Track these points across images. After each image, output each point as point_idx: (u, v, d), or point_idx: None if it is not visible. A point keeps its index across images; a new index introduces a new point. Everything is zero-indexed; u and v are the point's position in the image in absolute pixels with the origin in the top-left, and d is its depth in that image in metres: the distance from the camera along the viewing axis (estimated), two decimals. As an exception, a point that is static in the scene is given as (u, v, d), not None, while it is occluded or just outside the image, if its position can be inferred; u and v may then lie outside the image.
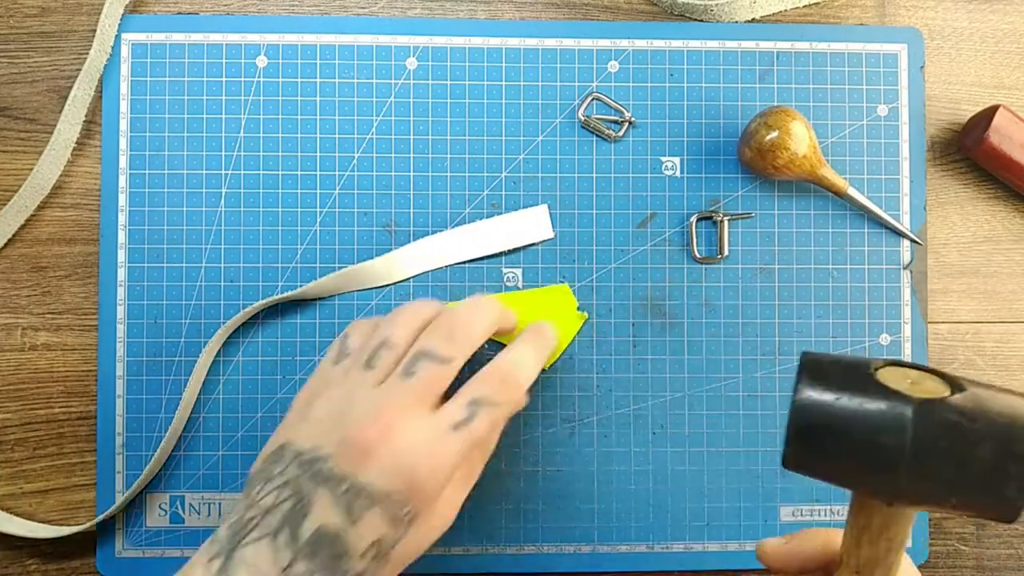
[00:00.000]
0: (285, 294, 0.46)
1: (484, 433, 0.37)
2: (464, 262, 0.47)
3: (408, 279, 0.47)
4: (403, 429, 0.35)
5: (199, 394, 0.46)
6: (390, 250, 0.47)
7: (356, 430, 0.34)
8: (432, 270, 0.47)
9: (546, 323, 0.42)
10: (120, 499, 0.45)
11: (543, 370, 0.47)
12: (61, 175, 0.47)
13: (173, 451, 0.46)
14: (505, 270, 0.48)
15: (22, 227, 0.47)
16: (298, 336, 0.47)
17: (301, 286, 0.47)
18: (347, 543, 0.33)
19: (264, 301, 0.46)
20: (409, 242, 0.47)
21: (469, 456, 0.37)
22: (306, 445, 0.35)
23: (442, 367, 0.37)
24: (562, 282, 0.47)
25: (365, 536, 0.34)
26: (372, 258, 0.47)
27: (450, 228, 0.47)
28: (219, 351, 0.47)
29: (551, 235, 0.47)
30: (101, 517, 0.45)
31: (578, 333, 0.47)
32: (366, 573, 0.34)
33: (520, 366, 0.39)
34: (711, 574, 0.48)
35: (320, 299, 0.47)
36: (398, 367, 0.37)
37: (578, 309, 0.47)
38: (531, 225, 0.47)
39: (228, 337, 0.47)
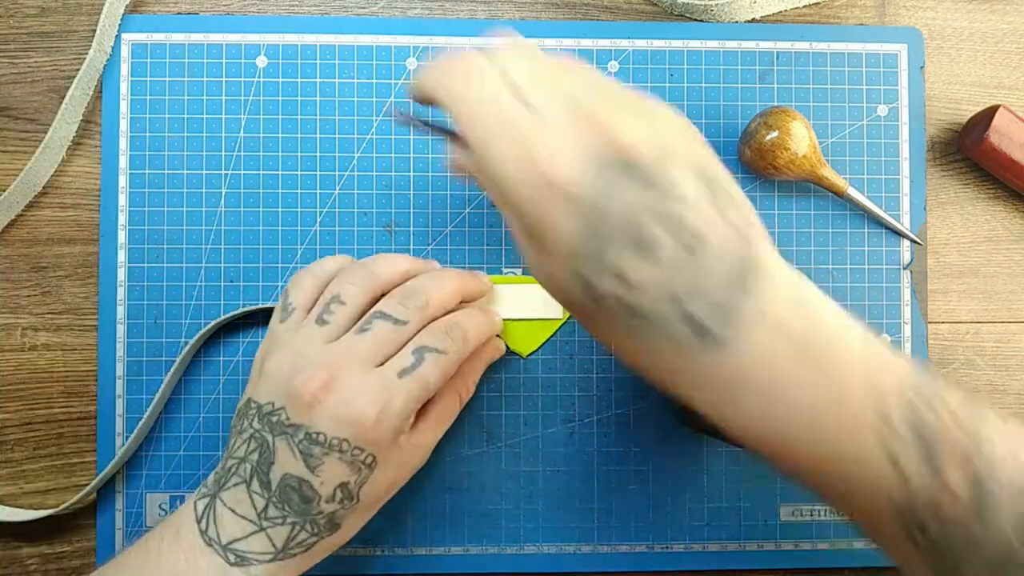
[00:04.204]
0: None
1: (433, 378, 0.38)
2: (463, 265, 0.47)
3: None
4: (347, 379, 0.37)
5: (200, 394, 0.47)
6: (391, 250, 0.47)
7: (302, 383, 0.36)
8: None
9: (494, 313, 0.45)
10: (88, 487, 0.45)
11: (523, 357, 0.47)
12: (61, 175, 0.47)
13: (173, 451, 0.46)
14: (505, 270, 0.48)
15: (22, 227, 0.47)
16: (298, 336, 0.47)
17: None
18: (313, 488, 0.36)
19: (262, 306, 0.46)
20: (409, 242, 0.47)
21: (420, 398, 0.38)
22: (263, 400, 0.38)
23: (396, 328, 0.38)
24: None
25: (328, 481, 0.36)
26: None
27: (450, 226, 0.47)
28: (219, 351, 0.47)
29: (559, 316, 0.47)
30: (68, 505, 0.45)
31: (560, 328, 0.47)
32: (337, 514, 0.37)
33: (465, 322, 0.41)
34: (711, 574, 0.48)
35: None
36: (354, 325, 0.39)
37: None
38: (545, 302, 0.46)
39: (227, 337, 0.47)
